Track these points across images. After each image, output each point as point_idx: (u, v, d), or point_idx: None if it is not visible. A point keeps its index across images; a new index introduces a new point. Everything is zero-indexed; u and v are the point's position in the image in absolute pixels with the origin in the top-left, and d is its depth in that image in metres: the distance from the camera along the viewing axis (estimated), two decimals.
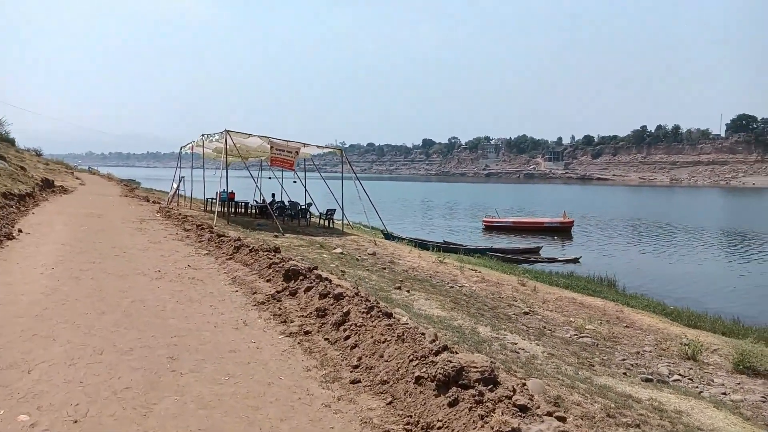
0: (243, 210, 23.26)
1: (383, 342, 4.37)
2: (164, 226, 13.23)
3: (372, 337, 4.53)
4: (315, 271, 7.00)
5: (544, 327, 9.39)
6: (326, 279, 6.68)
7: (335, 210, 20.40)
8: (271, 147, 17.82)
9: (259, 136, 17.59)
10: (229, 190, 23.28)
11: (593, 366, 6.92)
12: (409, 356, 3.94)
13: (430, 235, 30.51)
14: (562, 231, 35.80)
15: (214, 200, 23.23)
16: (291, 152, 18.11)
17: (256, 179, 26.91)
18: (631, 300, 15.83)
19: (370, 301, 5.23)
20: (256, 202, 25.03)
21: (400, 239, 20.72)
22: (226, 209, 21.72)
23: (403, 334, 4.31)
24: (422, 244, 20.76)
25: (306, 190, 22.92)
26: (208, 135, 19.43)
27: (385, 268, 12.79)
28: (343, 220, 20.28)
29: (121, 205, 20.46)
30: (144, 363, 4.26)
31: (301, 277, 6.77)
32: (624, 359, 8.02)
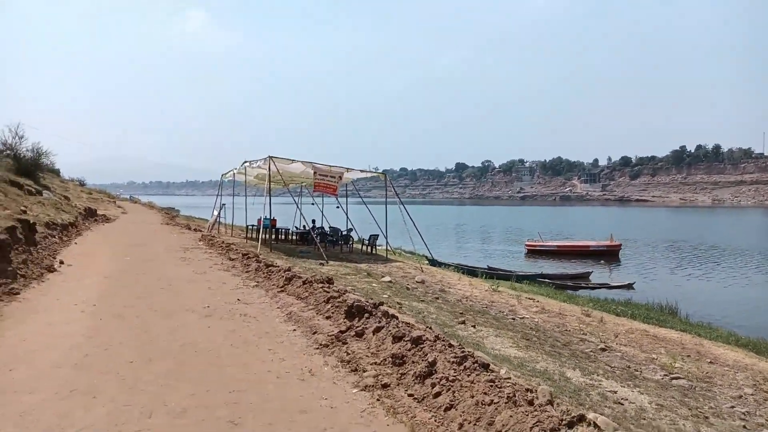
0: (284, 237, 22.77)
1: (489, 404, 3.55)
2: (208, 255, 12.71)
3: (472, 396, 3.72)
4: (381, 308, 6.24)
5: (628, 366, 8.38)
6: (393, 316, 5.91)
7: (378, 236, 19.70)
8: (315, 172, 17.31)
9: (302, 162, 17.12)
10: (271, 217, 22.93)
11: (707, 418, 5.94)
12: (531, 427, 3.12)
13: (470, 260, 29.46)
14: (609, 255, 34.33)
15: (255, 227, 22.86)
16: (334, 177, 17.56)
17: (297, 205, 26.67)
18: (701, 330, 14.55)
19: (461, 349, 4.41)
20: (297, 228, 24.57)
21: (446, 266, 19.84)
22: (267, 236, 21.29)
23: (513, 395, 3.49)
24: (469, 271, 19.84)
25: (347, 215, 22.35)
26: (250, 162, 19.08)
27: (438, 298, 11.96)
28: (386, 246, 19.56)
29: (163, 233, 20.19)
30: (201, 429, 3.54)
31: (366, 315, 6.03)
32: (732, 406, 6.97)
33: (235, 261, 11.31)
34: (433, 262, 18.37)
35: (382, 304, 6.72)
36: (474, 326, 8.69)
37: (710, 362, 10.29)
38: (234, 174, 22.57)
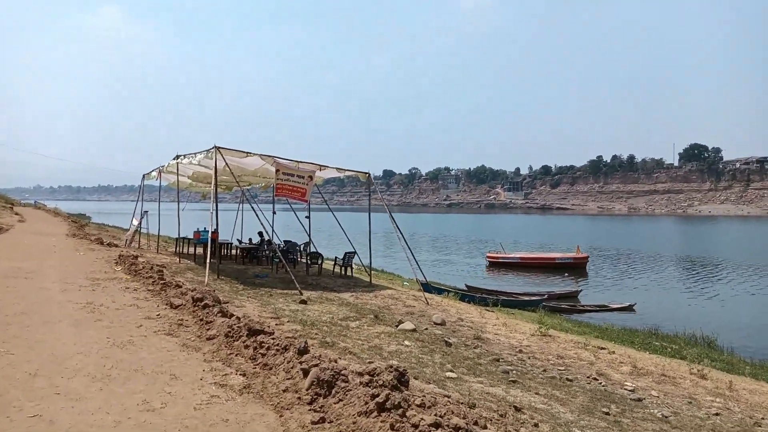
0: (225, 252, 18.11)
1: None
2: (133, 295, 8.11)
3: None
4: None
5: None
6: None
7: (354, 253, 15.57)
8: (277, 170, 12.98)
9: (260, 155, 12.75)
10: (212, 228, 18.18)
11: None
12: None
13: (431, 274, 25.61)
14: (575, 267, 31.90)
15: (188, 240, 18.04)
16: (303, 177, 13.30)
17: (237, 212, 21.95)
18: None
19: None
20: (240, 242, 19.94)
21: (444, 291, 16.05)
22: (205, 252, 16.61)
23: None
24: (471, 297, 16.13)
25: (304, 224, 18.09)
26: (184, 156, 14.43)
27: (476, 348, 8.12)
28: (370, 265, 15.53)
29: (67, 250, 15.03)
30: None
31: None
32: None
33: (182, 310, 6.84)
34: (427, 287, 14.45)
35: None
36: None
37: None
38: (160, 172, 17.68)
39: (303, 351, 4.39)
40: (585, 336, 11.27)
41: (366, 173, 14.27)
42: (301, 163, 13.32)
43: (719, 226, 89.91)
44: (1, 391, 3.91)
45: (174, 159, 15.04)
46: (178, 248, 18.20)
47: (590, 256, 34.40)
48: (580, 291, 23.23)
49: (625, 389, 7.31)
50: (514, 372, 7.11)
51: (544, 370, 7.70)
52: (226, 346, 5.25)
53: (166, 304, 7.25)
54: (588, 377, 7.74)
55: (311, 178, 13.42)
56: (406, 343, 7.47)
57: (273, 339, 4.92)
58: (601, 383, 7.47)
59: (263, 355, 4.71)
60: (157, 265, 11.70)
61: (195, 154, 13.56)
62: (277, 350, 4.63)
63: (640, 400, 6.84)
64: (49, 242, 17.08)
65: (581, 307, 20.00)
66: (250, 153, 12.49)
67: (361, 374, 3.83)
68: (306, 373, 3.99)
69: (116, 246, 17.51)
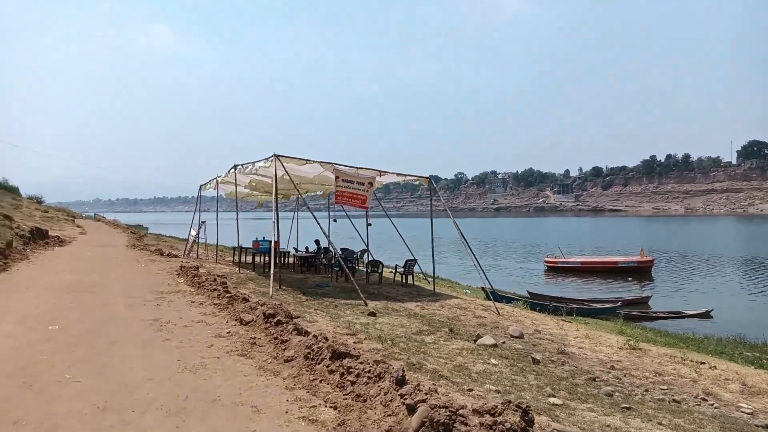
0: (283, 261, 17.83)
1: None
2: (199, 310, 7.76)
3: None
4: None
5: None
6: None
7: (416, 261, 15.00)
8: (337, 177, 12.56)
9: (319, 163, 12.34)
10: (263, 237, 18.02)
11: None
12: None
13: (493, 281, 24.79)
14: (640, 271, 30.31)
15: (247, 249, 17.86)
16: (362, 184, 12.83)
17: (291, 221, 21.73)
18: None
19: None
20: (296, 250, 19.66)
21: (513, 300, 15.28)
22: (265, 261, 16.37)
23: None
24: (542, 306, 15.27)
25: (359, 232, 17.65)
26: (243, 165, 14.20)
27: (564, 365, 7.38)
28: (433, 273, 14.94)
29: (127, 261, 15.04)
30: None
31: None
32: None
33: (253, 326, 6.40)
34: (494, 296, 13.71)
35: None
36: None
37: None
38: (217, 183, 17.57)
39: (401, 381, 3.81)
40: (679, 348, 10.31)
41: (427, 178, 13.70)
42: (361, 170, 12.86)
43: None
44: (69, 430, 3.49)
45: (232, 168, 14.83)
46: (236, 258, 18.03)
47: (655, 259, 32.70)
48: (650, 297, 21.91)
49: (743, 412, 6.45)
50: (618, 395, 6.35)
51: (646, 390, 6.91)
52: (307, 370, 4.74)
53: (236, 320, 6.83)
54: (696, 397, 6.91)
55: (371, 184, 12.94)
56: (492, 361, 6.81)
57: (361, 364, 4.38)
58: (712, 405, 6.63)
59: (353, 383, 4.16)
60: (219, 276, 11.43)
61: (253, 163, 13.28)
62: (369, 378, 4.07)
63: (767, 427, 5.98)
64: (109, 254, 17.21)
65: (654, 314, 18.82)
66: (309, 160, 12.09)
67: (479, 413, 3.22)
68: (411, 410, 3.41)
69: (176, 256, 17.48)
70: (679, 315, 18.72)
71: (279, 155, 11.72)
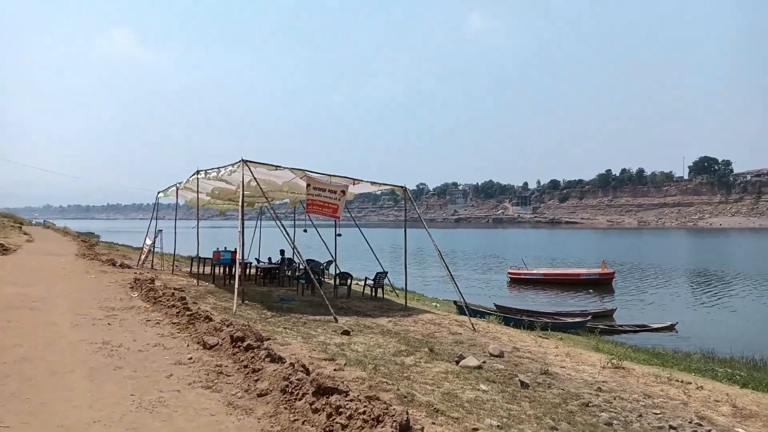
0: (245, 273, 16.94)
1: None
2: (156, 331, 6.96)
3: None
4: None
5: None
6: None
7: (387, 273, 14.43)
8: (308, 185, 11.89)
9: (290, 169, 11.64)
10: (224, 247, 17.11)
11: None
12: None
13: (453, 292, 24.51)
14: (601, 284, 30.54)
15: (205, 260, 16.92)
16: (335, 192, 12.20)
17: (254, 229, 20.84)
18: None
19: None
20: (258, 261, 18.80)
21: (485, 315, 14.83)
22: (224, 273, 15.49)
23: None
24: (516, 321, 14.87)
25: (325, 243, 16.97)
26: (206, 171, 13.37)
27: (551, 387, 6.93)
28: (405, 287, 14.37)
29: (76, 272, 13.95)
30: None
31: None
32: None
33: (218, 351, 5.69)
34: (468, 311, 13.24)
35: None
36: None
37: None
38: (177, 190, 16.62)
39: (405, 428, 3.22)
40: (660, 367, 10.02)
41: (402, 187, 13.19)
42: (334, 177, 12.24)
43: (732, 239, 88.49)
44: None
45: (194, 174, 13.98)
46: (193, 269, 17.06)
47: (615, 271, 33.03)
48: (615, 309, 21.92)
49: None
50: (617, 423, 5.91)
51: (640, 416, 6.50)
52: (286, 407, 4.09)
53: (198, 343, 6.10)
54: (690, 422, 6.54)
55: (344, 193, 12.32)
56: (482, 387, 6.28)
57: (351, 401, 3.76)
58: (710, 431, 6.26)
59: (344, 426, 3.54)
60: (177, 290, 10.60)
61: (218, 168, 12.49)
62: (365, 421, 3.46)
63: None
64: (58, 264, 16.02)
65: (619, 327, 18.72)
66: (279, 166, 11.39)
67: None
68: None
69: (129, 267, 16.42)
70: (644, 328, 18.69)
71: (247, 160, 11.01)
